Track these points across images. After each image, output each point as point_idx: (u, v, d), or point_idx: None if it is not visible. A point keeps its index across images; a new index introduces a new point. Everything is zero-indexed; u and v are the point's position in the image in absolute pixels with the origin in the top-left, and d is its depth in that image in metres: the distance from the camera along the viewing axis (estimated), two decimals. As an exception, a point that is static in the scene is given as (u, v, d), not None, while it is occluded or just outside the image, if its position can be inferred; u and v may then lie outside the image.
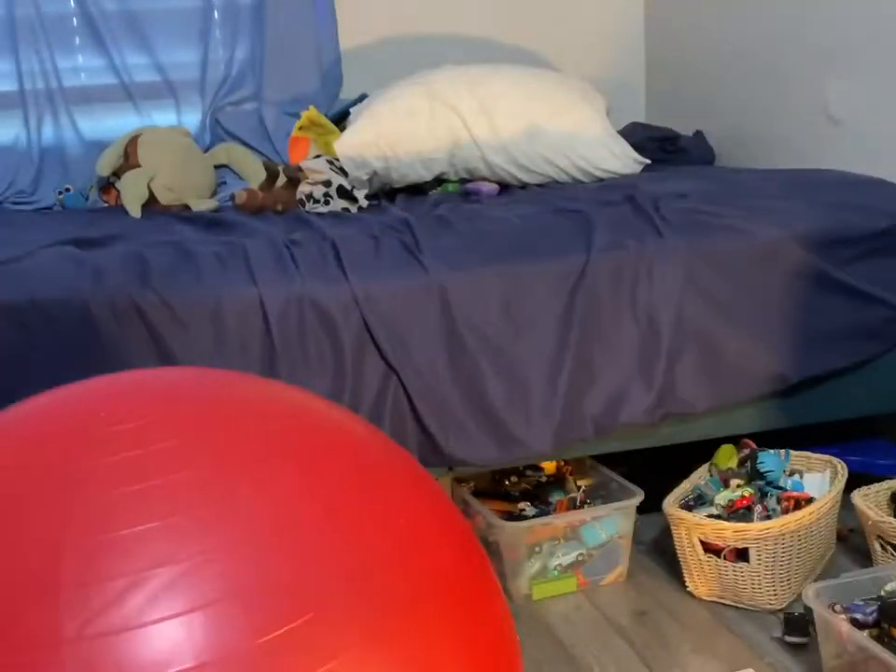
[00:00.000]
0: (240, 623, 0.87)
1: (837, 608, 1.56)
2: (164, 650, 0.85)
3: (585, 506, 2.01)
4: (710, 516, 1.84)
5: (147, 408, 1.03)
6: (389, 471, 1.09)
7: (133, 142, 2.52)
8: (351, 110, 2.63)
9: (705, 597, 1.85)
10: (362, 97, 2.69)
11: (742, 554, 1.79)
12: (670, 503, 1.86)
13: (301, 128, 2.53)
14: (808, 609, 1.62)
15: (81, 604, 0.86)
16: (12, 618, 0.86)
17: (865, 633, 1.51)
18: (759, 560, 1.77)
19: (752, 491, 1.89)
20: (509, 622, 1.11)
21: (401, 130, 2.42)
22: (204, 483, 0.95)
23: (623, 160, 2.51)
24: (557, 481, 2.13)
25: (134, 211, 2.36)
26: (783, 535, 1.76)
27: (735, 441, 2.04)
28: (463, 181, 2.52)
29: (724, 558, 1.80)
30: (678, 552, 1.87)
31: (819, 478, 1.96)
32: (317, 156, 2.45)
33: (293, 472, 0.99)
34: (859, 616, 1.54)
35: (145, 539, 0.89)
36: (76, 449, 0.97)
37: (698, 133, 2.91)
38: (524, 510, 2.02)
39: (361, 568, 0.95)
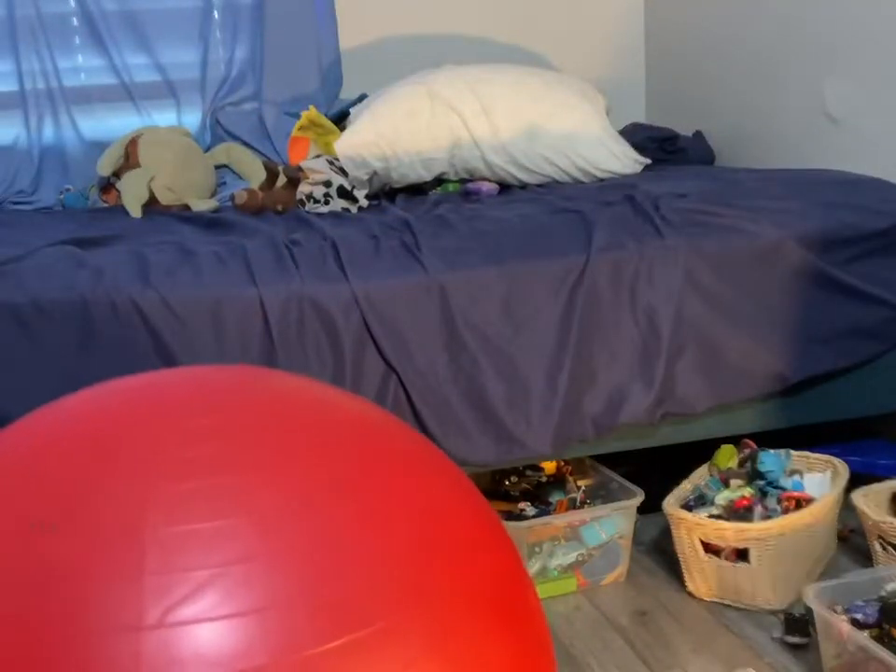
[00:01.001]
0: (309, 625, 0.89)
1: (838, 608, 1.56)
2: (237, 644, 0.86)
3: (585, 506, 2.01)
4: (711, 516, 1.84)
5: (222, 402, 1.04)
6: (446, 479, 1.09)
7: (133, 142, 2.52)
8: (351, 110, 2.63)
9: (705, 597, 1.85)
10: (362, 97, 2.69)
11: (742, 554, 1.79)
12: (670, 503, 1.86)
13: (300, 128, 2.53)
14: (809, 610, 1.62)
15: (163, 592, 0.87)
16: (97, 602, 0.87)
17: (866, 633, 1.51)
18: (759, 560, 1.77)
19: (753, 491, 1.89)
20: (545, 623, 1.12)
21: (401, 130, 2.42)
22: (282, 482, 0.96)
23: (622, 160, 2.51)
24: (557, 481, 2.13)
25: (135, 211, 2.37)
26: (783, 535, 1.76)
27: (736, 441, 2.04)
28: (463, 181, 2.52)
29: (725, 558, 1.80)
30: (678, 552, 1.87)
31: (819, 478, 1.95)
32: (317, 156, 2.45)
33: (368, 477, 1.00)
34: (859, 616, 1.54)
35: (222, 534, 0.91)
36: (159, 439, 0.98)
37: (698, 133, 2.91)
38: (524, 510, 2.02)
39: (428, 581, 0.96)
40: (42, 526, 0.91)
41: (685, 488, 1.93)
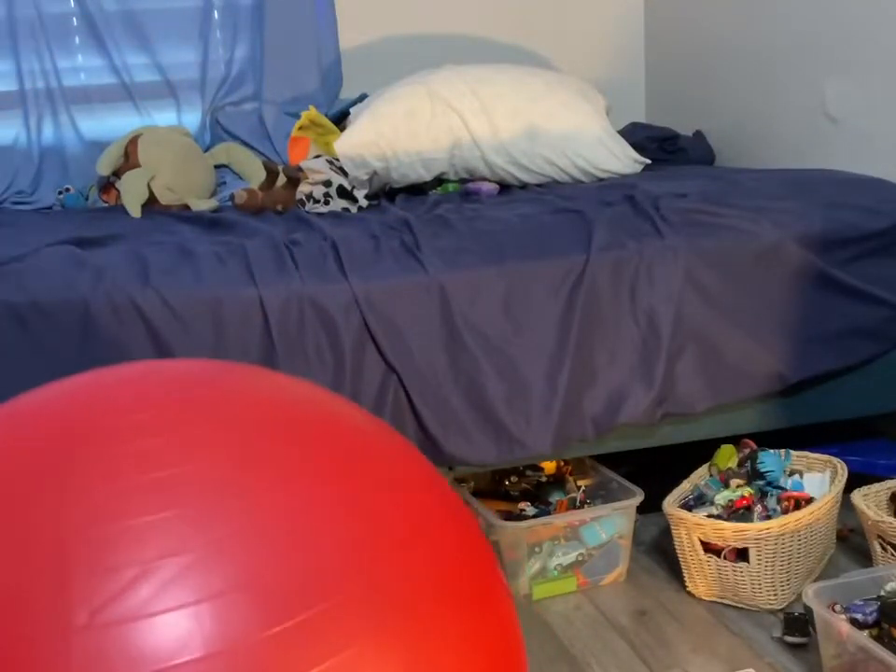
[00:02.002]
0: (249, 615, 0.88)
1: (837, 608, 1.56)
2: (173, 640, 0.85)
3: (585, 506, 2.01)
4: (710, 516, 1.84)
5: (157, 397, 1.03)
6: (397, 462, 1.09)
7: (133, 142, 2.52)
8: (351, 110, 2.63)
9: (705, 597, 1.85)
10: (362, 97, 2.69)
11: (742, 554, 1.79)
12: (670, 503, 1.86)
13: (300, 128, 2.53)
14: (808, 609, 1.62)
15: (91, 593, 0.86)
16: (22, 607, 0.86)
17: (865, 633, 1.51)
18: (759, 560, 1.77)
19: (752, 491, 1.89)
20: (514, 618, 1.11)
21: (401, 130, 2.42)
22: (215, 473, 0.95)
23: (622, 160, 2.51)
24: (557, 481, 2.13)
25: (134, 211, 2.37)
26: (783, 535, 1.76)
27: (735, 440, 2.04)
28: (463, 181, 2.52)
29: (724, 558, 1.80)
30: (678, 552, 1.87)
31: (819, 478, 1.96)
32: (317, 156, 2.45)
33: (304, 464, 1.00)
34: (859, 616, 1.54)
35: (154, 529, 0.89)
36: (86, 438, 0.97)
37: (698, 133, 2.91)
38: (524, 509, 2.02)
39: (370, 562, 0.95)
40: None
41: (685, 488, 1.94)
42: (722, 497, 1.88)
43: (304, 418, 1.06)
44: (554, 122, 2.47)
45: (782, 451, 1.99)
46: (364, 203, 2.32)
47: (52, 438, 0.98)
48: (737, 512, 1.84)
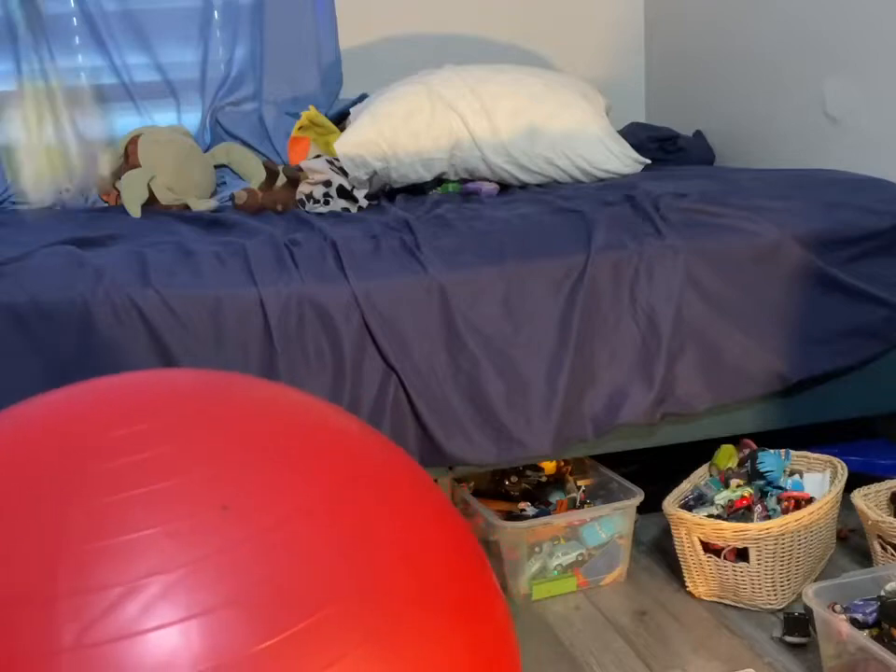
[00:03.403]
0: (238, 630, 0.87)
1: (837, 608, 1.56)
2: (162, 657, 0.85)
3: (585, 506, 2.01)
4: (710, 516, 1.84)
5: (143, 412, 1.02)
6: (389, 472, 1.08)
7: (133, 142, 2.52)
8: (351, 110, 2.63)
9: (705, 597, 1.85)
10: (362, 97, 2.69)
11: (742, 554, 1.79)
12: (670, 503, 1.86)
13: (300, 128, 2.53)
14: (808, 609, 1.62)
15: (77, 613, 0.85)
16: (8, 627, 0.86)
17: (865, 633, 1.51)
18: (759, 560, 1.77)
19: (752, 491, 1.89)
20: (508, 622, 1.11)
21: (401, 130, 2.42)
22: (202, 488, 0.94)
23: (622, 159, 2.51)
24: (557, 481, 2.13)
25: (134, 211, 2.36)
26: (783, 535, 1.76)
27: (735, 440, 2.04)
28: (463, 181, 2.52)
29: (724, 558, 1.80)
30: (677, 552, 1.87)
31: (819, 478, 1.96)
32: (317, 156, 2.45)
33: (292, 475, 0.99)
34: (859, 616, 1.54)
35: (140, 547, 0.89)
36: (71, 454, 0.97)
37: (698, 133, 2.91)
38: (524, 509, 2.02)
39: (361, 572, 0.95)
40: None
41: (685, 488, 1.93)
42: (722, 497, 1.88)
43: (290, 429, 1.06)
44: (555, 122, 2.47)
45: (782, 451, 1.99)
46: (364, 203, 2.32)
47: (37, 453, 0.98)
48: (737, 512, 1.84)
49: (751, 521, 1.81)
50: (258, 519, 0.94)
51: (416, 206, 2.28)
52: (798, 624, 1.70)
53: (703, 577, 1.84)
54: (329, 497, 0.99)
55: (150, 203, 2.43)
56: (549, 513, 1.99)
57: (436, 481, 1.19)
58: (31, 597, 0.86)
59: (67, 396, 1.09)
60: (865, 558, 1.88)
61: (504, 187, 2.49)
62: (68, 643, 0.84)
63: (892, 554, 1.78)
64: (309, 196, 2.31)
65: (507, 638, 1.09)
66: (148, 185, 2.44)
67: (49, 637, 0.84)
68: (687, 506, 1.88)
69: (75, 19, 2.73)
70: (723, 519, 1.82)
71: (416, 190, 2.50)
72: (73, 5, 2.72)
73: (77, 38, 2.73)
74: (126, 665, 0.84)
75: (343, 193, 2.31)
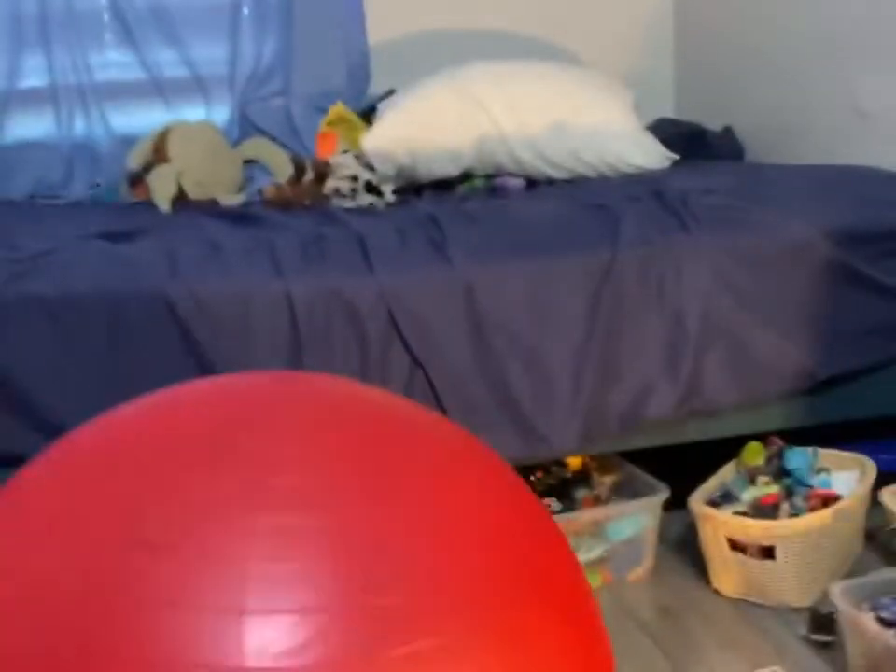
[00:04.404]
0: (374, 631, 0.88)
1: (864, 606, 1.55)
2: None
3: (610, 502, 2.01)
4: (737, 513, 1.83)
5: (320, 424, 1.03)
6: (483, 472, 1.09)
7: (162, 137, 2.54)
8: (378, 105, 2.63)
9: (730, 595, 1.85)
10: (390, 92, 2.69)
11: (768, 552, 1.78)
12: (696, 500, 1.86)
13: (328, 123, 2.54)
14: (835, 608, 1.61)
15: (262, 632, 0.86)
16: (201, 639, 0.86)
17: (892, 632, 1.50)
18: (785, 558, 1.76)
19: (779, 489, 1.88)
20: (599, 615, 1.11)
21: (428, 125, 2.42)
22: (359, 526, 0.94)
23: (651, 155, 2.50)
24: (582, 477, 2.13)
25: (164, 206, 2.38)
26: (810, 533, 1.75)
27: (763, 438, 2.03)
28: (490, 176, 2.52)
29: (750, 556, 1.79)
30: (703, 549, 1.86)
31: (847, 476, 1.94)
32: (345, 151, 2.45)
33: (413, 486, 1.00)
34: (886, 614, 1.53)
35: (304, 575, 0.89)
36: (252, 473, 0.97)
37: (727, 129, 2.89)
38: (549, 505, 2.02)
39: (471, 585, 0.95)
40: (146, 546, 0.90)
41: (711, 485, 1.93)
42: (749, 495, 1.88)
43: (398, 437, 1.06)
44: (582, 118, 2.47)
45: (810, 448, 1.98)
46: (391, 198, 2.33)
47: (226, 459, 0.98)
48: (764, 510, 1.83)
49: (778, 518, 1.80)
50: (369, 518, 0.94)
51: (443, 201, 2.29)
52: (824, 623, 1.69)
53: (728, 574, 1.83)
54: (441, 504, 1.00)
55: (180, 197, 2.45)
56: (573, 509, 1.99)
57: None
58: (219, 609, 0.87)
59: (227, 392, 1.09)
60: (893, 557, 1.87)
61: (531, 182, 2.49)
62: (252, 663, 0.85)
63: (921, 553, 1.76)
64: (336, 191, 2.32)
65: (600, 634, 1.09)
66: (178, 180, 2.46)
67: (237, 653, 0.85)
68: (713, 503, 1.88)
69: (106, 15, 2.75)
70: (750, 516, 1.81)
71: (443, 186, 2.50)
72: (104, 1, 2.74)
73: (107, 34, 2.76)
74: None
75: (371, 188, 2.31)
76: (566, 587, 1.05)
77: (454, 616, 0.92)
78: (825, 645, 1.67)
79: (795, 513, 1.81)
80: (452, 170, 2.47)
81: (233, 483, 0.94)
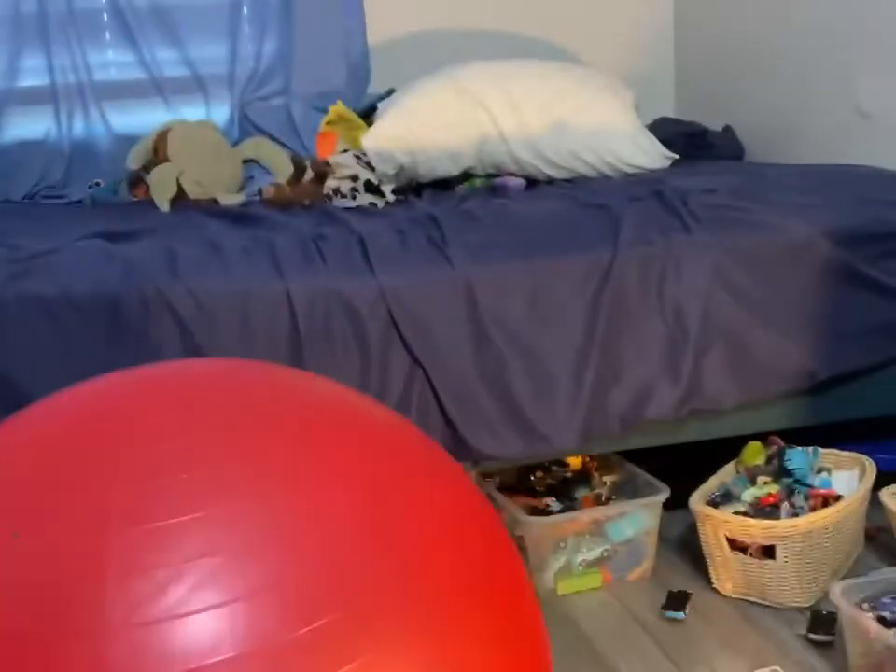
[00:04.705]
0: (277, 616, 0.89)
1: (864, 606, 1.55)
2: (206, 639, 0.87)
3: (611, 502, 2.01)
4: (737, 513, 1.83)
5: (187, 400, 1.04)
6: (421, 464, 1.09)
7: (162, 136, 2.54)
8: (379, 105, 2.63)
9: (730, 594, 1.85)
10: (390, 92, 2.69)
11: (768, 552, 1.78)
12: (697, 500, 1.86)
13: (328, 123, 2.54)
14: (835, 607, 1.61)
15: (126, 593, 0.87)
16: (59, 606, 0.88)
17: (893, 631, 1.50)
18: (785, 557, 1.76)
19: (779, 488, 1.88)
20: (538, 617, 1.11)
21: (429, 125, 2.42)
22: (244, 475, 0.96)
23: (651, 155, 2.50)
24: (583, 476, 2.13)
25: (163, 205, 2.38)
26: (810, 532, 1.75)
27: (763, 437, 2.03)
28: (490, 176, 2.52)
29: (751, 555, 1.79)
30: (703, 548, 1.86)
31: (847, 476, 1.94)
32: (345, 151, 2.45)
33: (331, 466, 1.00)
34: (886, 614, 1.53)
35: (185, 530, 0.91)
36: (117, 439, 0.99)
37: (727, 128, 2.89)
38: (549, 505, 2.02)
39: (395, 565, 0.96)
40: (11, 534, 0.92)
41: (711, 485, 1.93)
42: (749, 495, 1.87)
43: (327, 419, 1.07)
44: (582, 117, 2.46)
45: (810, 448, 1.98)
46: (391, 197, 2.33)
47: (85, 438, 1.00)
48: (764, 510, 1.83)
49: (778, 518, 1.80)
50: (296, 507, 0.95)
51: (443, 201, 2.28)
52: (825, 622, 1.69)
53: (729, 574, 1.83)
54: (365, 488, 1.00)
55: (179, 197, 2.45)
56: (574, 509, 1.99)
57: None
58: (82, 577, 0.88)
59: (111, 383, 1.10)
60: (893, 556, 1.87)
61: (531, 182, 2.49)
62: (117, 623, 0.86)
63: (921, 553, 1.76)
64: (336, 191, 2.32)
65: (537, 634, 1.09)
66: (177, 179, 2.46)
67: (99, 616, 0.86)
68: (714, 503, 1.88)
69: (105, 14, 2.75)
70: (750, 516, 1.81)
71: (443, 185, 2.50)
72: (103, 0, 2.74)
73: (107, 34, 2.76)
74: (173, 645, 0.86)
75: (371, 188, 2.31)
76: (505, 587, 1.05)
77: (380, 616, 0.93)
78: (825, 645, 1.67)
79: (795, 513, 1.81)
80: (452, 169, 2.47)
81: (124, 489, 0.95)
